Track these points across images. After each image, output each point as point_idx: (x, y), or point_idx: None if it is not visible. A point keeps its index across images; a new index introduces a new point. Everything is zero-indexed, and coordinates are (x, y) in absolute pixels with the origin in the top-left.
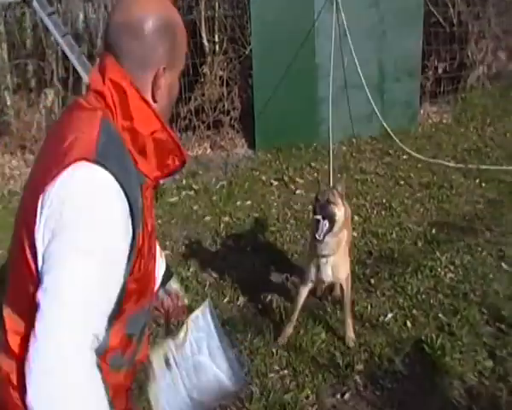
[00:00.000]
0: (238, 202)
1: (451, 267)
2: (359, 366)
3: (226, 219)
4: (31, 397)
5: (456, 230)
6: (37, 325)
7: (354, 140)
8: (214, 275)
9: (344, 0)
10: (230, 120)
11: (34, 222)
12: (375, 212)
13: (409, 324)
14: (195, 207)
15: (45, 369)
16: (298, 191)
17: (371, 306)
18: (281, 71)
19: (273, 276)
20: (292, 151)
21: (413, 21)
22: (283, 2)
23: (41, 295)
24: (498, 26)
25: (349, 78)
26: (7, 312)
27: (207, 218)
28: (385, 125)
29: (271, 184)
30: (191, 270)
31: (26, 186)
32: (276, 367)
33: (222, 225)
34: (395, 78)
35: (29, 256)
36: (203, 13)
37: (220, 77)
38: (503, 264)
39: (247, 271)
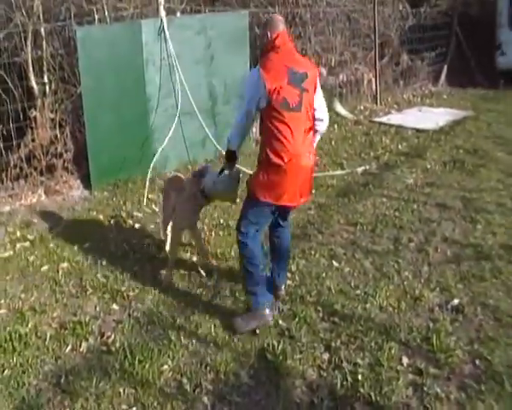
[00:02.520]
0: (76, 246)
1: (289, 275)
2: (207, 387)
3: (65, 265)
4: None
5: (292, 238)
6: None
7: (190, 166)
8: (54, 325)
9: (171, 30)
10: (64, 162)
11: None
12: (213, 233)
13: (252, 336)
14: (32, 259)
15: None
16: (136, 225)
17: (214, 325)
18: (112, 106)
19: (115, 315)
20: (129, 186)
21: (239, 45)
22: (111, 37)
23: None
24: (318, 45)
25: (181, 105)
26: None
27: (45, 267)
28: (219, 147)
29: (109, 222)
30: (30, 325)
31: (296, 76)
32: (125, 407)
33: (60, 272)
34: (225, 100)
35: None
36: (30, 54)
37: (52, 119)
38: (333, 262)
39: (89, 314)
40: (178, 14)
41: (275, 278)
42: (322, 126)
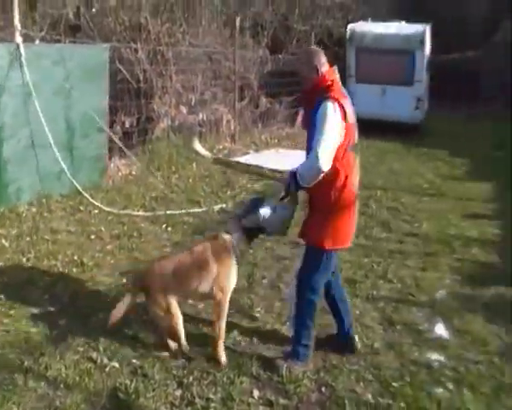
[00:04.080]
0: None
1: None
2: None
3: None
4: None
5: None
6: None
7: (44, 200)
8: None
9: (29, 57)
10: None
11: None
12: (66, 271)
13: (104, 375)
14: None
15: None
16: None
17: (65, 366)
18: None
19: None
20: None
21: (99, 78)
22: None
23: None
24: (179, 83)
25: (36, 137)
26: None
27: None
28: (74, 181)
29: None
30: None
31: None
32: None
33: None
34: (83, 134)
35: None
36: None
37: None
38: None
39: None
40: (37, 41)
41: (349, 331)
42: None
